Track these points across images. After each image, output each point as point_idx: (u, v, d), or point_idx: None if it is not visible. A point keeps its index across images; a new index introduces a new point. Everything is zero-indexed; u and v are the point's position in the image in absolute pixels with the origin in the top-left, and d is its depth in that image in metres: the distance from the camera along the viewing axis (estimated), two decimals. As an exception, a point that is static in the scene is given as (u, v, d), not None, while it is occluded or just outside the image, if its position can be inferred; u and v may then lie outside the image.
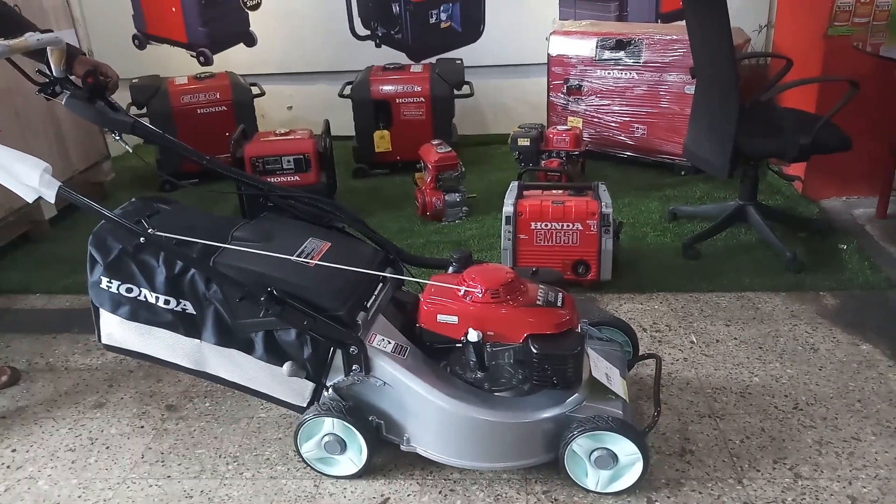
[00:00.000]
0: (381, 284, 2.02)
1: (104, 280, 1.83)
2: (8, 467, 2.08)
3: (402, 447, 1.91)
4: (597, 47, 4.07)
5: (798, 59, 3.15)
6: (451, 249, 2.11)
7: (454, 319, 1.83)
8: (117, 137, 1.92)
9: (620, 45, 4.00)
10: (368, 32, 4.88)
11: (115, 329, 1.91)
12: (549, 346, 1.76)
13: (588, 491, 1.85)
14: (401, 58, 4.81)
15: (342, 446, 1.89)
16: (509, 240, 2.81)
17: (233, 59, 4.95)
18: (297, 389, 1.88)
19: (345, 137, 4.39)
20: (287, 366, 1.80)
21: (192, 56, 5.02)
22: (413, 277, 2.09)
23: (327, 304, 1.78)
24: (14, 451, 2.15)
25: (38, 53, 1.89)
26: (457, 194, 3.61)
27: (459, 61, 4.46)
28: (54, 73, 1.90)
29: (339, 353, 1.82)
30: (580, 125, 4.22)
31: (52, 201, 1.70)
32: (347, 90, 4.30)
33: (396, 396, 1.84)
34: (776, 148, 2.93)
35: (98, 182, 4.18)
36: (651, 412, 1.96)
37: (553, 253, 2.81)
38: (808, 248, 3.11)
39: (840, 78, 2.89)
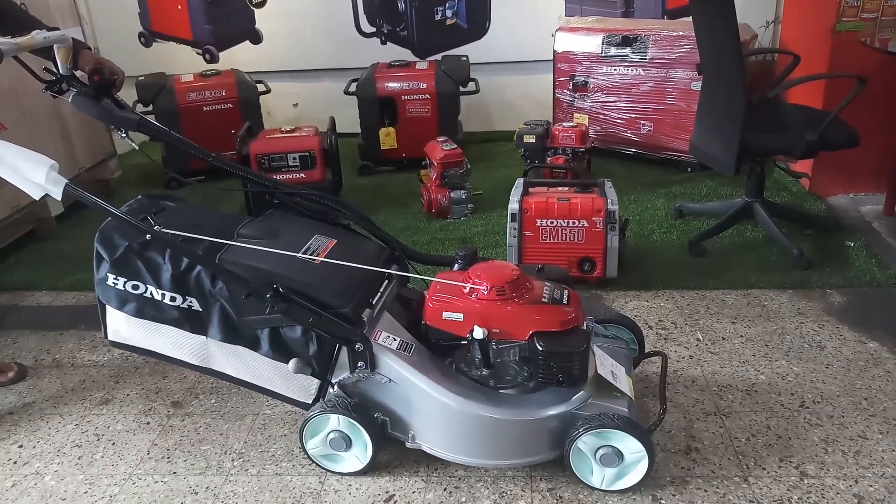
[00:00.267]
0: (386, 281, 2.02)
1: (110, 277, 1.84)
2: (15, 463, 2.09)
3: (408, 444, 1.91)
4: (603, 44, 4.06)
5: (805, 55, 3.13)
6: (457, 246, 2.11)
7: (460, 316, 1.83)
8: (123, 135, 1.93)
9: (626, 41, 3.98)
10: (374, 29, 4.88)
11: (121, 326, 1.92)
12: (554, 344, 1.76)
13: (593, 488, 1.85)
14: (406, 55, 4.81)
15: (347, 443, 1.89)
16: (515, 237, 2.81)
17: (238, 57, 4.95)
18: (303, 386, 1.89)
19: (350, 134, 4.39)
20: (293, 362, 1.80)
21: (197, 53, 5.03)
22: (418, 274, 2.09)
23: (333, 300, 1.78)
24: (21, 446, 2.16)
25: (45, 51, 1.89)
26: (462, 191, 3.61)
27: (465, 58, 4.45)
28: (61, 71, 1.91)
29: (344, 349, 1.82)
30: (586, 122, 4.21)
31: (59, 198, 1.71)
32: (353, 87, 4.30)
33: (402, 393, 1.84)
34: (783, 144, 2.92)
35: (104, 179, 4.20)
36: (657, 410, 1.96)
37: (559, 250, 2.80)
38: (814, 246, 3.10)
39: (847, 74, 2.87)
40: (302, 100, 5.11)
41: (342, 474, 1.96)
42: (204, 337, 1.87)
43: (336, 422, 1.88)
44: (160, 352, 1.93)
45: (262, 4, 4.88)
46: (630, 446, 1.77)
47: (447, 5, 4.77)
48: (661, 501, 1.82)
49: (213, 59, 5.01)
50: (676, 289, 2.84)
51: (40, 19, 2.10)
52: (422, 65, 4.37)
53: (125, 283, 1.83)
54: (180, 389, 2.38)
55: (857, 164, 3.40)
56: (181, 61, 4.94)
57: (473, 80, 4.34)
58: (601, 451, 1.78)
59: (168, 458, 2.07)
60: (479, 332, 1.78)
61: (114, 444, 2.15)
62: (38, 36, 1.82)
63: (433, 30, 4.84)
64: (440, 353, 1.93)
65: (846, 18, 3.27)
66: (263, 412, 2.24)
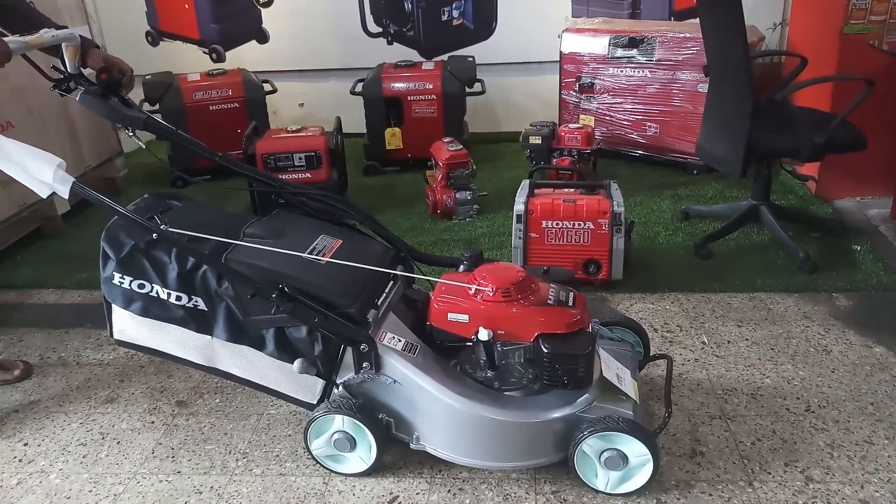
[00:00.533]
0: (391, 282, 2.02)
1: (116, 276, 1.84)
2: (20, 461, 2.10)
3: (412, 445, 1.91)
4: (609, 45, 4.05)
5: (812, 57, 3.12)
6: (462, 247, 2.11)
7: (465, 318, 1.83)
8: (130, 134, 1.93)
9: (633, 42, 3.98)
10: (380, 29, 4.88)
11: (127, 325, 1.92)
12: (559, 346, 1.76)
13: (598, 492, 1.84)
14: (412, 55, 4.81)
15: (352, 444, 1.89)
16: (520, 238, 2.81)
17: (245, 56, 4.96)
18: (308, 386, 1.89)
19: (356, 135, 4.40)
20: (298, 363, 1.81)
21: (204, 53, 5.04)
22: (424, 275, 2.09)
23: (338, 301, 1.78)
24: (26, 444, 2.17)
25: (53, 49, 1.90)
26: (468, 192, 3.61)
27: (471, 59, 4.44)
28: (69, 70, 1.91)
29: (349, 350, 1.82)
30: (592, 123, 4.20)
31: (66, 197, 1.71)
32: (359, 87, 4.30)
33: (406, 394, 1.84)
34: (790, 147, 2.91)
35: (110, 178, 4.21)
36: (662, 413, 1.95)
37: (564, 252, 2.80)
38: (821, 249, 3.09)
39: (855, 76, 2.86)
40: (308, 99, 5.11)
41: (346, 475, 1.96)
42: (209, 336, 1.87)
43: (340, 422, 1.88)
44: (165, 351, 1.93)
45: (268, 4, 4.89)
46: (635, 449, 1.76)
47: (454, 6, 4.77)
48: (666, 505, 1.81)
49: (220, 59, 5.02)
50: (682, 291, 2.84)
51: (49, 17, 2.10)
52: (428, 65, 4.36)
53: (131, 281, 1.84)
54: (185, 389, 2.39)
55: (864, 167, 3.39)
56: (188, 60, 4.95)
57: (480, 80, 4.33)
58: (606, 454, 1.78)
59: (172, 457, 2.08)
60: (484, 334, 1.78)
61: (118, 442, 2.15)
62: (46, 34, 1.83)
63: (439, 30, 4.84)
64: (445, 354, 1.92)
65: (854, 21, 3.26)
66: (268, 412, 2.24)
